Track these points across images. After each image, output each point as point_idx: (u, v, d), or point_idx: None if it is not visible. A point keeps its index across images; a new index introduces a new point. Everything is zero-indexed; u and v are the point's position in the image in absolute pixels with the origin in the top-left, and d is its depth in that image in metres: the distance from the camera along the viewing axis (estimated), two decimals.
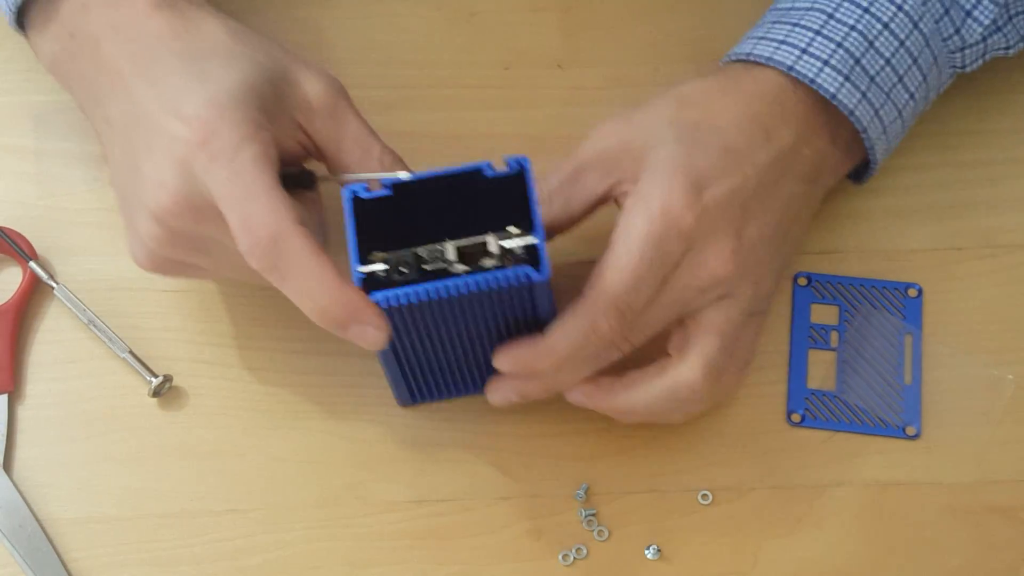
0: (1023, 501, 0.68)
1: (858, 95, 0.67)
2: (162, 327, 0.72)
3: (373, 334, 0.59)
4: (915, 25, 0.68)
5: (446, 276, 0.60)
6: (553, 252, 0.61)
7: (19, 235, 0.73)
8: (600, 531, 0.68)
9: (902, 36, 0.67)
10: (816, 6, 0.68)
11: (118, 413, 0.70)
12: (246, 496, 0.68)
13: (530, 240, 0.60)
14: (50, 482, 0.69)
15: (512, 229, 0.61)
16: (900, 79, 0.68)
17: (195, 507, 0.68)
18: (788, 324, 0.72)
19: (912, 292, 0.72)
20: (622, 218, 0.63)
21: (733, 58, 0.69)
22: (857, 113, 0.67)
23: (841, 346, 0.71)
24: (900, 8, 0.67)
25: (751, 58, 0.68)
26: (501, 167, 0.61)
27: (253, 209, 0.59)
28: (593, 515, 0.68)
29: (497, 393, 0.66)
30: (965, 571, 0.67)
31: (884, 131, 0.68)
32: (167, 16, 0.64)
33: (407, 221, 0.61)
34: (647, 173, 0.63)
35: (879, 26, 0.67)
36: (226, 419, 0.70)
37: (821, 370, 0.71)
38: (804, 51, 0.67)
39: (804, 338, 0.72)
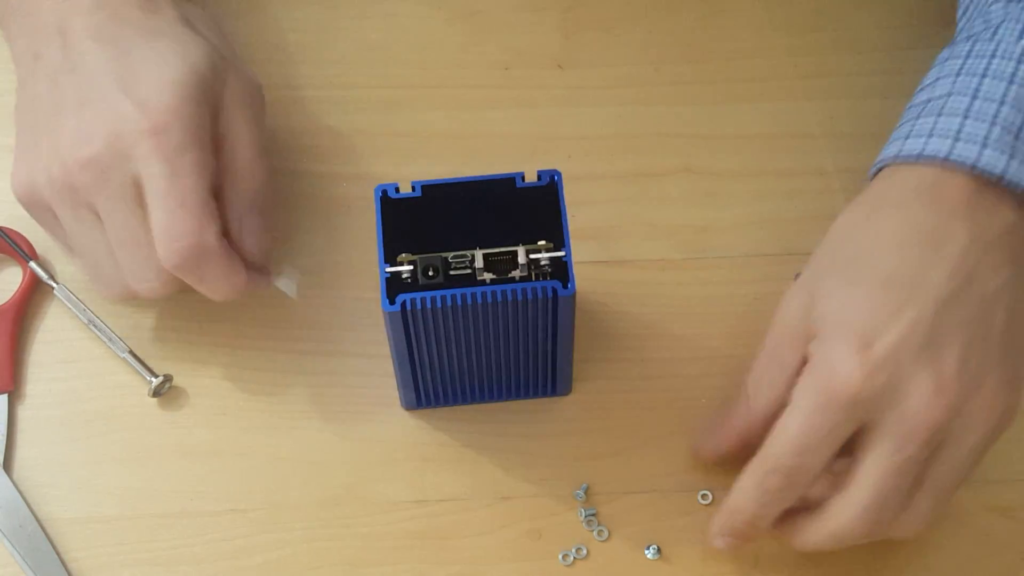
0: (1022, 501, 0.68)
1: (1008, 155, 0.61)
2: (162, 327, 0.72)
3: (236, 281, 0.66)
4: None
5: (472, 283, 0.60)
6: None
7: (19, 235, 0.73)
8: (600, 531, 0.68)
9: None
10: (956, 90, 0.64)
11: (118, 413, 0.70)
12: (246, 496, 0.68)
13: (559, 254, 0.61)
14: (50, 482, 0.69)
15: (542, 242, 0.61)
16: None
17: (195, 507, 0.68)
18: None
19: None
20: (797, 387, 0.61)
21: (882, 164, 0.65)
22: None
23: None
24: None
25: (900, 159, 0.63)
26: (532, 178, 0.62)
27: (183, 216, 0.63)
28: (593, 515, 0.68)
29: (717, 540, 0.65)
30: (965, 571, 0.67)
31: None
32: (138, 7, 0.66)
33: (436, 225, 0.61)
34: (816, 338, 0.61)
35: None
36: (226, 419, 0.70)
37: None
38: (956, 138, 0.62)
39: None
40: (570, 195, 0.63)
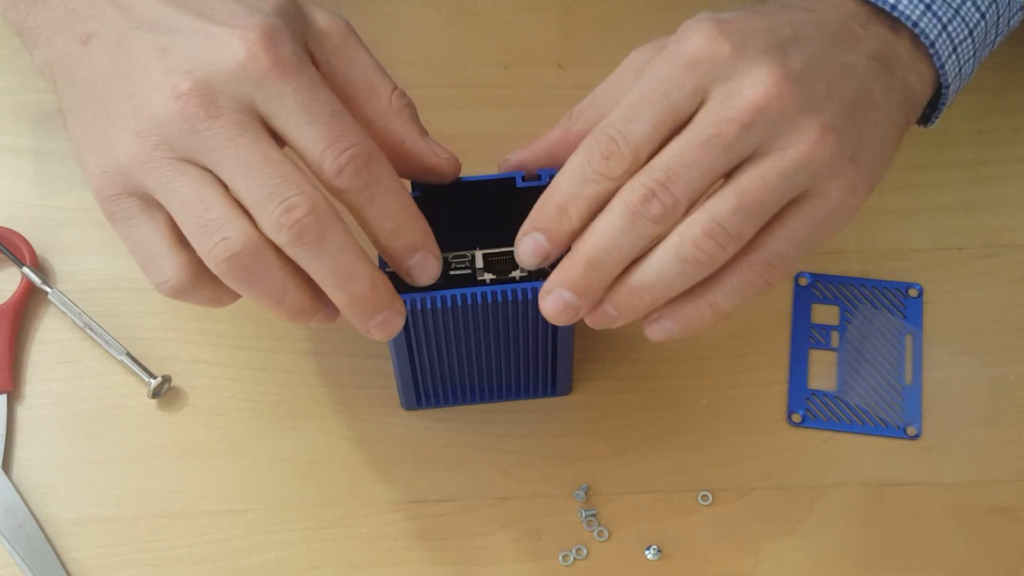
0: (1023, 501, 0.68)
1: (922, 7, 0.61)
2: (162, 327, 0.72)
3: (434, 266, 0.59)
4: None
5: (472, 283, 0.60)
6: None
7: (18, 235, 0.73)
8: (600, 531, 0.67)
9: None
10: None
11: (117, 413, 0.70)
12: (246, 496, 0.68)
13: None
14: (49, 482, 0.69)
15: None
16: None
17: (194, 507, 0.68)
18: (789, 324, 0.72)
19: (913, 292, 0.72)
20: None
21: None
22: (922, 24, 0.61)
23: (842, 346, 0.71)
24: None
25: None
26: (533, 178, 0.62)
27: (344, 124, 0.55)
28: (593, 515, 0.68)
29: (546, 300, 0.58)
30: (966, 571, 0.67)
31: (954, 50, 0.62)
32: None
33: (436, 225, 0.61)
34: (670, 40, 0.58)
35: None
36: (225, 419, 0.70)
37: (822, 370, 0.71)
38: None
39: (805, 338, 0.72)
40: None
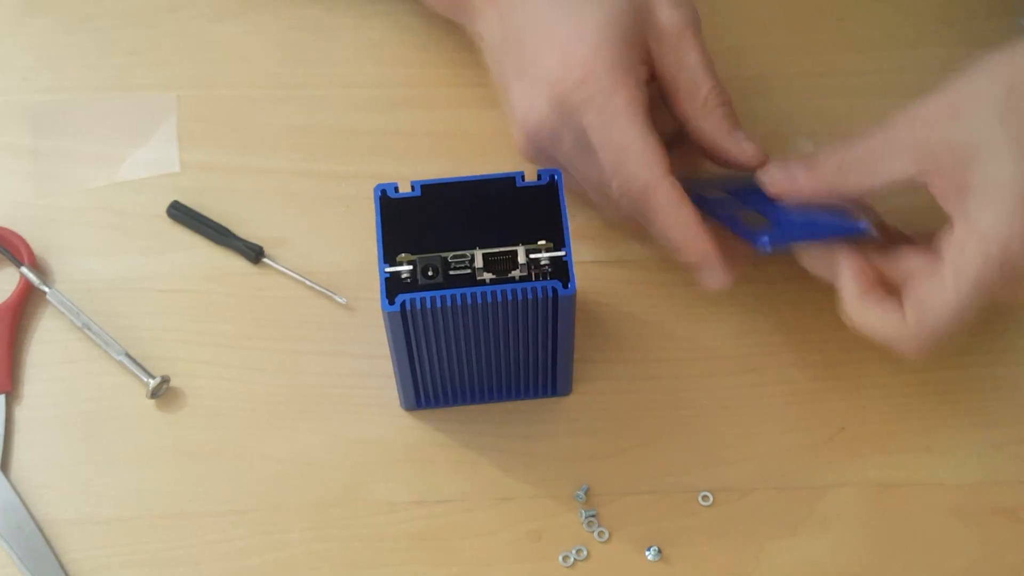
0: None
1: None
2: (160, 327, 0.72)
3: (717, 278, 0.65)
4: None
5: (472, 283, 0.60)
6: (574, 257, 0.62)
7: (16, 235, 0.73)
8: (600, 532, 0.67)
9: None
10: None
11: (116, 414, 0.70)
12: (245, 497, 0.68)
13: (559, 254, 0.60)
14: (48, 483, 0.68)
15: (542, 242, 0.61)
16: None
17: (193, 508, 0.68)
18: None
19: None
20: (954, 245, 0.60)
21: None
22: None
23: None
24: None
25: None
26: (532, 177, 0.62)
27: (626, 159, 0.63)
28: (593, 516, 0.67)
29: None
30: (969, 573, 0.66)
31: None
32: None
33: (435, 224, 0.61)
34: (978, 196, 0.60)
35: None
36: (224, 420, 0.70)
37: None
38: None
39: None
40: (570, 194, 0.63)
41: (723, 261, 0.64)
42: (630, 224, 0.68)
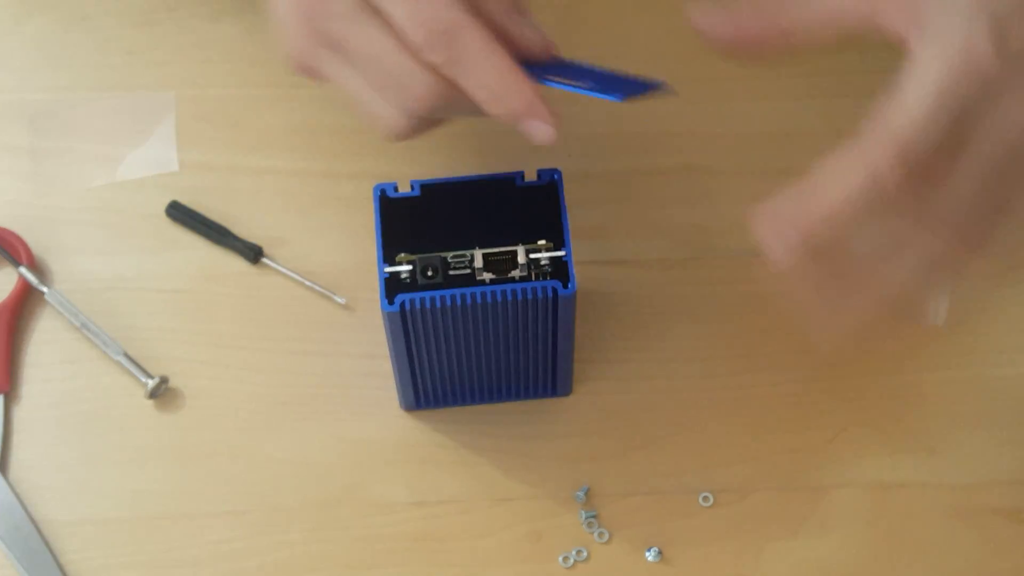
0: None
1: None
2: (159, 327, 0.72)
3: (543, 129, 0.57)
4: None
5: (472, 283, 0.60)
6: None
7: (14, 235, 0.73)
8: (601, 533, 0.67)
9: None
10: None
11: (115, 414, 0.70)
12: (244, 498, 0.68)
13: (559, 254, 0.60)
14: (46, 484, 0.68)
15: (542, 242, 0.61)
16: None
17: (192, 509, 0.68)
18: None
19: None
20: (912, 59, 0.53)
21: None
22: None
23: None
24: None
25: None
26: (532, 177, 0.62)
27: (422, 3, 0.56)
28: (594, 517, 0.67)
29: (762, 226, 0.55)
30: (969, 573, 0.66)
31: None
32: None
33: (435, 224, 0.61)
34: (941, 11, 0.54)
35: None
36: (223, 420, 0.70)
37: None
38: None
39: None
40: (570, 194, 0.63)
41: (547, 107, 0.57)
42: (422, 120, 0.60)
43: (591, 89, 0.59)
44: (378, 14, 0.57)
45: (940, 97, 0.53)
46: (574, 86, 0.58)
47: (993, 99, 0.53)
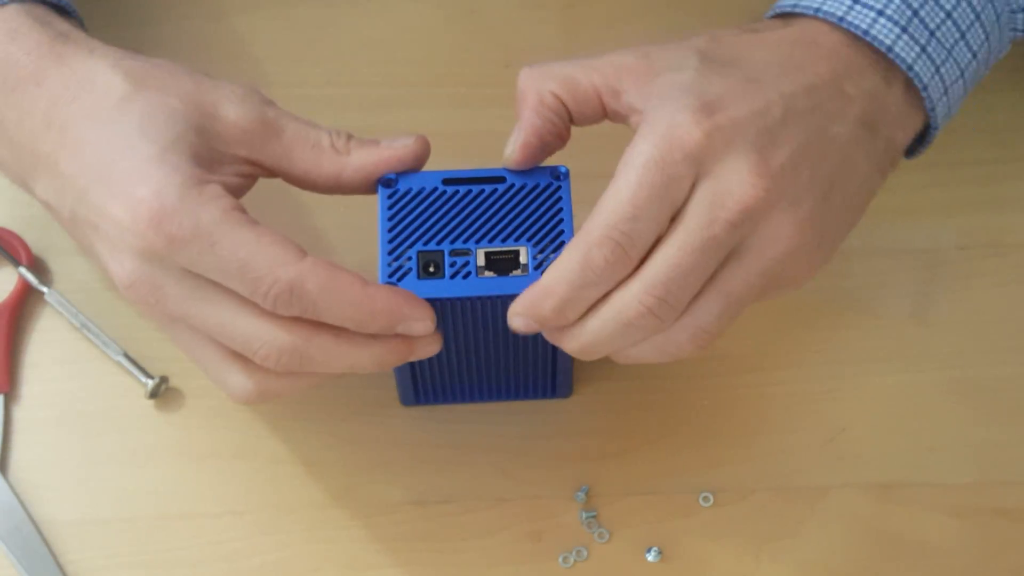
0: None
1: (917, 48, 0.61)
2: (158, 328, 0.71)
3: (421, 326, 0.59)
4: None
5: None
6: None
7: (14, 235, 0.73)
8: (600, 533, 0.67)
9: None
10: None
11: (115, 414, 0.70)
12: (244, 498, 0.68)
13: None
14: (46, 484, 0.68)
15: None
16: (962, 35, 0.62)
17: (192, 509, 0.68)
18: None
19: None
20: (629, 145, 0.58)
21: (778, 11, 0.64)
22: (916, 68, 0.61)
23: None
24: None
25: (797, 10, 0.63)
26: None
27: (255, 269, 0.56)
28: (593, 517, 0.67)
29: (513, 320, 0.60)
30: (969, 573, 0.66)
31: (945, 92, 0.63)
32: (58, 75, 0.60)
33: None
34: (658, 97, 0.59)
35: None
36: (223, 420, 0.70)
37: None
38: (855, 1, 0.61)
39: None
40: (571, 194, 0.63)
41: (414, 303, 0.58)
42: (274, 380, 0.60)
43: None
44: (217, 285, 0.57)
45: (644, 178, 0.56)
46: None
47: (704, 173, 0.57)
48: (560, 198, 0.62)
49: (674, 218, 0.57)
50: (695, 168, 0.57)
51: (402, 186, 0.62)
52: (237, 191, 0.60)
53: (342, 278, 0.57)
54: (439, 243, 0.61)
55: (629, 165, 0.57)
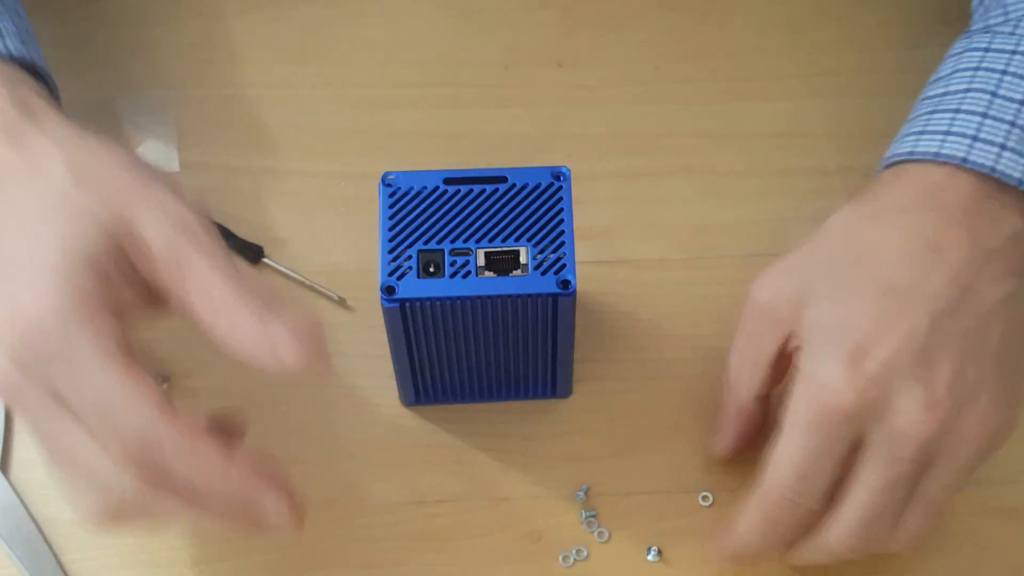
0: None
1: None
2: (160, 327, 0.71)
3: (274, 517, 0.56)
4: None
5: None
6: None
7: None
8: (600, 532, 0.67)
9: None
10: (975, 85, 0.61)
11: None
12: None
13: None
14: (47, 483, 0.68)
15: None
16: None
17: None
18: None
19: None
20: (788, 394, 0.59)
21: (893, 160, 0.62)
22: None
23: None
24: None
25: (914, 157, 0.61)
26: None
27: (111, 413, 0.53)
28: (593, 516, 0.67)
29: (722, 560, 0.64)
30: (969, 573, 0.66)
31: None
32: (6, 147, 0.58)
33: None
34: (805, 345, 0.59)
35: None
36: None
37: None
38: (975, 138, 0.59)
39: None
40: (571, 194, 0.63)
41: (277, 492, 0.56)
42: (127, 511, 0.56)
43: None
44: (73, 413, 0.54)
45: (808, 446, 0.58)
46: None
47: (874, 420, 0.57)
48: (560, 198, 0.62)
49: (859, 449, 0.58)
50: (857, 424, 0.57)
51: (403, 185, 0.62)
52: (140, 311, 0.58)
53: (202, 446, 0.54)
54: (439, 242, 0.61)
55: (792, 426, 0.58)
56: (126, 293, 0.56)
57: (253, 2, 0.81)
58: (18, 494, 0.68)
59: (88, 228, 0.56)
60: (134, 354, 0.55)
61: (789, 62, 0.79)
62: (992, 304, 0.58)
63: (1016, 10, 0.64)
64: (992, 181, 0.59)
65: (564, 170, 0.62)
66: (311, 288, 0.72)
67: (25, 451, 0.69)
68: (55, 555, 0.66)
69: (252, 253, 0.73)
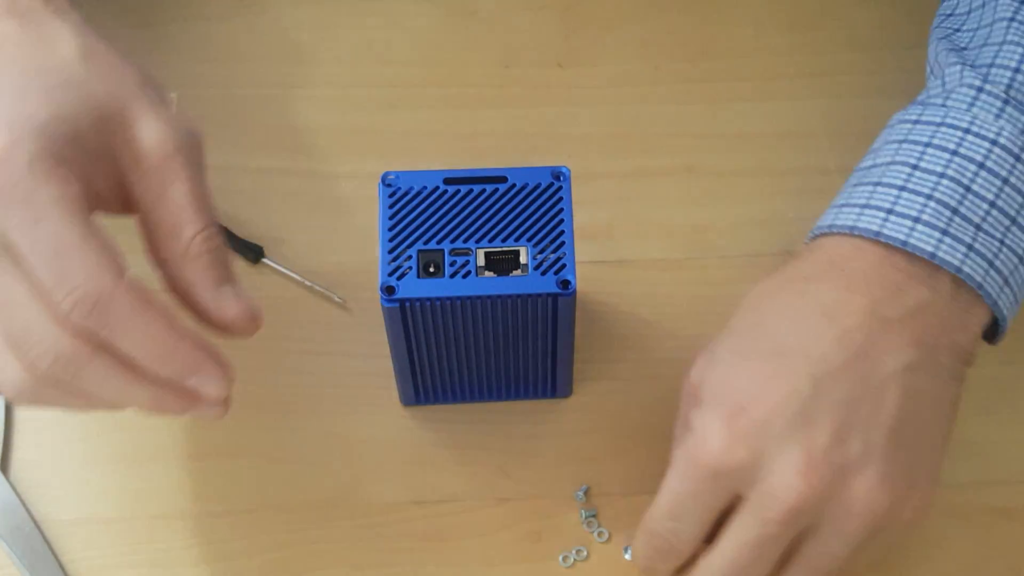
0: None
1: (963, 248, 0.58)
2: None
3: (214, 388, 0.54)
4: (1017, 157, 0.60)
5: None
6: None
7: None
8: (601, 532, 0.67)
9: (1003, 173, 0.59)
10: (898, 159, 0.61)
11: (116, 414, 0.69)
12: (244, 497, 0.68)
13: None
14: (47, 483, 0.68)
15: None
16: (1013, 221, 0.59)
17: (193, 508, 0.68)
18: None
19: None
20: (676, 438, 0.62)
21: (816, 233, 0.62)
22: (966, 269, 0.58)
23: None
24: (995, 143, 0.60)
25: (834, 231, 0.61)
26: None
27: (67, 264, 0.51)
28: (594, 516, 0.67)
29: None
30: (969, 573, 0.66)
31: (1006, 282, 0.59)
32: (17, 22, 0.56)
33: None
34: (699, 403, 0.59)
35: (973, 167, 0.59)
36: (224, 420, 0.69)
37: None
38: (890, 212, 0.59)
39: None
40: (571, 194, 0.63)
41: (220, 364, 0.54)
42: (51, 383, 0.53)
43: None
44: (17, 263, 0.52)
45: (675, 489, 0.59)
46: None
47: (744, 480, 0.57)
48: (560, 198, 0.62)
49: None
50: (728, 479, 0.57)
51: (403, 185, 0.62)
52: (101, 199, 0.56)
53: (153, 309, 0.53)
54: (439, 242, 0.61)
55: (671, 469, 0.59)
56: (97, 182, 0.55)
57: (253, 2, 0.81)
58: (18, 494, 0.68)
59: (84, 102, 0.54)
60: (98, 227, 0.52)
61: (789, 62, 0.79)
62: (887, 373, 0.57)
63: (951, 82, 0.63)
64: (902, 253, 0.59)
65: (564, 170, 0.62)
66: (311, 288, 0.72)
67: (25, 451, 0.69)
68: (55, 555, 0.67)
69: (252, 253, 0.73)
